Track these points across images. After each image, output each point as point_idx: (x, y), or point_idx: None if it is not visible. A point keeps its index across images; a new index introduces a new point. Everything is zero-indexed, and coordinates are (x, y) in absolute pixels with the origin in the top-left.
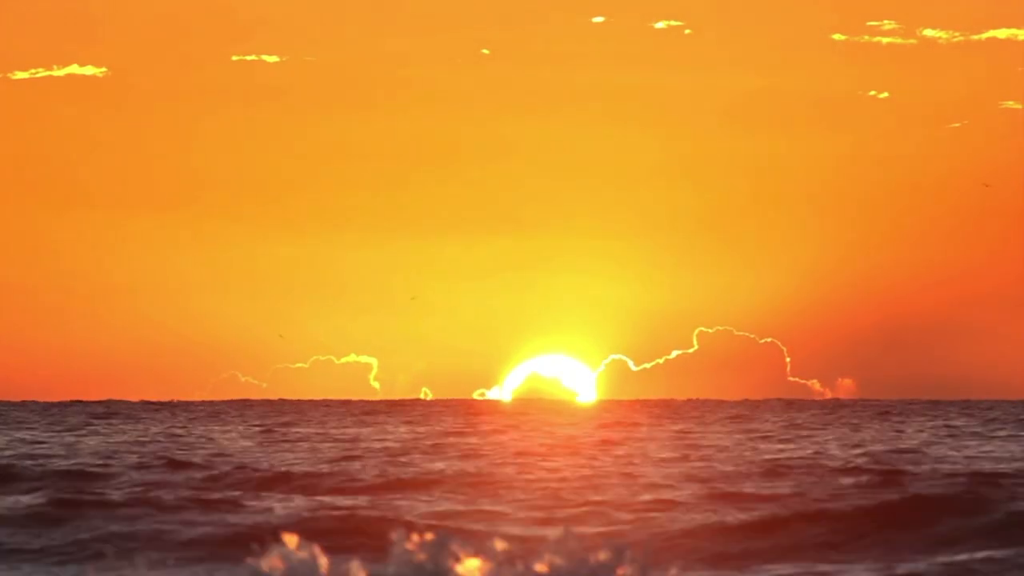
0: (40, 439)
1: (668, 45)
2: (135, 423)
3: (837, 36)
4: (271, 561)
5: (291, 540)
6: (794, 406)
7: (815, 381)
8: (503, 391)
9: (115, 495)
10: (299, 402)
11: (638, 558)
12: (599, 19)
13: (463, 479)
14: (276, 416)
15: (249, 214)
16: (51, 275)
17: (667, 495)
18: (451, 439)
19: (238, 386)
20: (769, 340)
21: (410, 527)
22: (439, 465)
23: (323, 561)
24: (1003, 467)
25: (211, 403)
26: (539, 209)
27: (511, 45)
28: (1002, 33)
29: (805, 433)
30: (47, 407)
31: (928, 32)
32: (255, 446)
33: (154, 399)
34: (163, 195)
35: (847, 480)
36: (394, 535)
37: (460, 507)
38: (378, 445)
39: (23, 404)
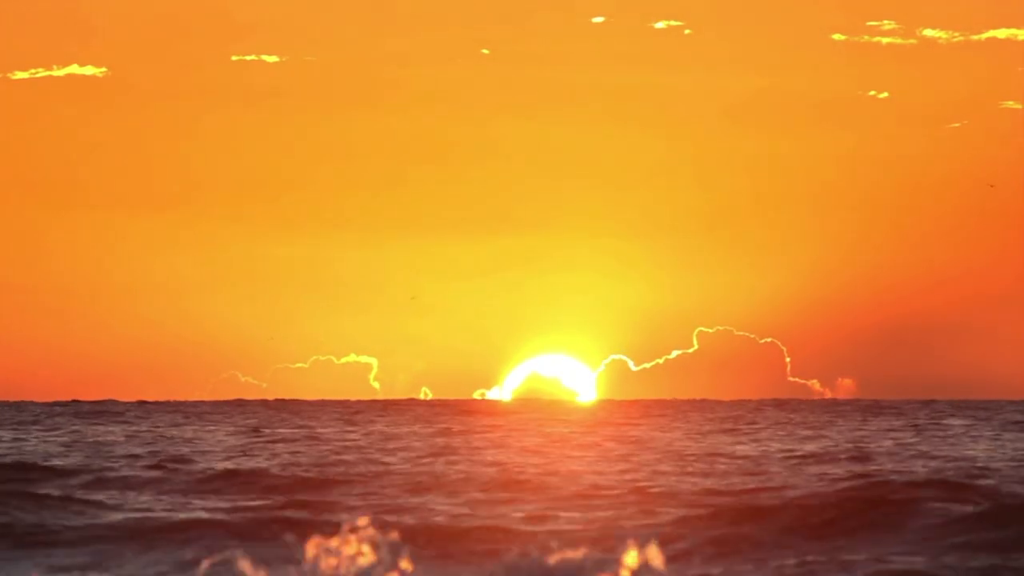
0: None
1: (668, 45)
2: (117, 423)
3: (837, 36)
4: None
5: None
6: (788, 406)
7: (815, 381)
8: (503, 391)
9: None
10: (297, 402)
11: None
12: (599, 19)
13: (364, 477)
14: (264, 416)
15: (249, 214)
16: (50, 275)
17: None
18: (403, 441)
19: (238, 386)
20: (769, 340)
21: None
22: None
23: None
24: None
25: (202, 403)
26: (539, 209)
27: (511, 45)
28: (1002, 33)
29: (765, 435)
30: (42, 407)
31: (928, 32)
32: (211, 446)
33: (154, 399)
34: (163, 195)
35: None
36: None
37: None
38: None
39: (18, 404)
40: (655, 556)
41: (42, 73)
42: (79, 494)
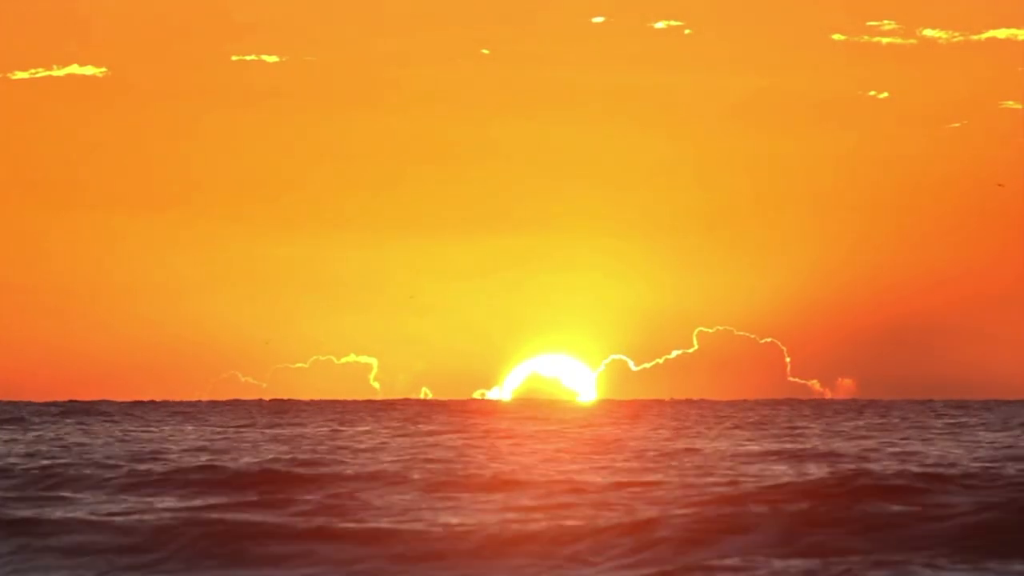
0: None
1: (668, 45)
2: (99, 424)
3: (837, 36)
4: None
5: None
6: (784, 405)
7: (815, 381)
8: (503, 391)
9: None
10: (295, 402)
11: None
12: (599, 19)
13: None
14: (254, 416)
15: (249, 214)
16: (50, 275)
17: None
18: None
19: (238, 386)
20: (769, 340)
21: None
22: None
23: None
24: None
25: (196, 403)
26: (539, 209)
27: (511, 45)
28: (1002, 33)
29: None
30: (30, 407)
31: (928, 32)
32: (169, 446)
33: (155, 399)
34: (163, 195)
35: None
36: None
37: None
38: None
39: (14, 404)
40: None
41: (42, 73)
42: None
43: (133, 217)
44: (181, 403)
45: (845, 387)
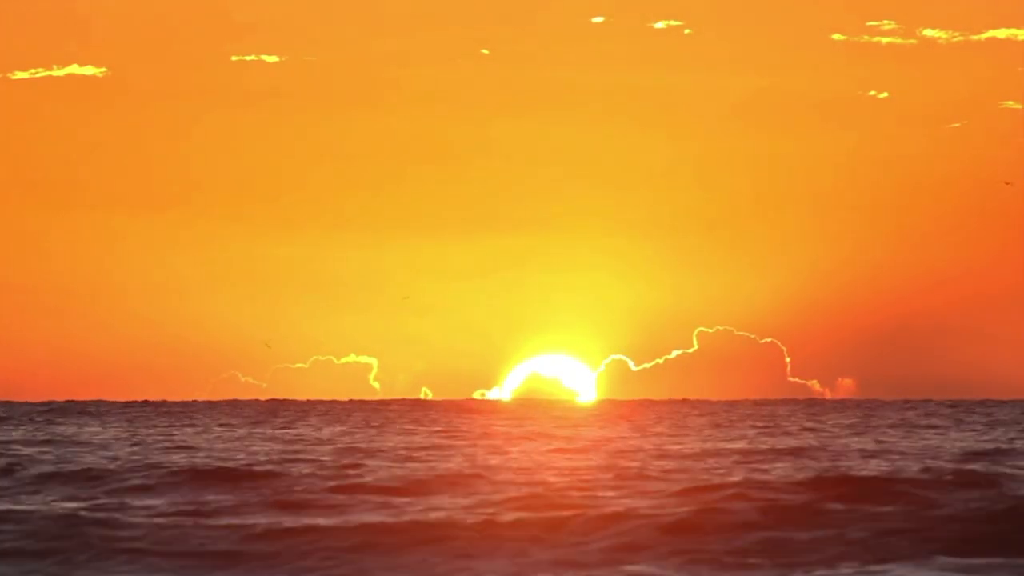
0: None
1: (668, 45)
2: (81, 423)
3: (837, 36)
4: None
5: None
6: (779, 404)
7: (815, 381)
8: (503, 391)
9: None
10: (293, 402)
11: None
12: (599, 19)
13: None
14: (246, 416)
15: (249, 214)
16: (50, 275)
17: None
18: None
19: (238, 386)
20: (769, 340)
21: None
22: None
23: None
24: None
25: (192, 403)
26: (539, 209)
27: (511, 45)
28: (1002, 33)
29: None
30: (31, 407)
31: (928, 32)
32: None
33: (155, 399)
34: (163, 195)
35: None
36: None
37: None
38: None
39: (9, 404)
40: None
41: (42, 73)
42: None
43: (133, 217)
44: (177, 403)
45: (845, 387)
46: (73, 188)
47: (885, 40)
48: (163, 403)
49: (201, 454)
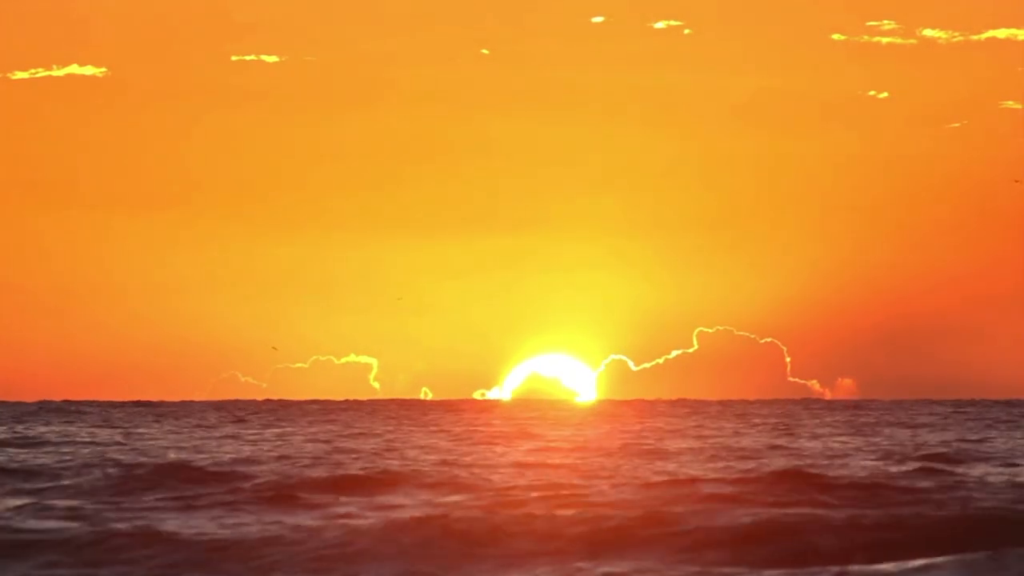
0: None
1: (668, 45)
2: (65, 422)
3: (837, 36)
4: None
5: None
6: (778, 405)
7: (815, 381)
8: (503, 391)
9: None
10: (292, 402)
11: None
12: (599, 19)
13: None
14: (240, 415)
15: (249, 214)
16: (49, 275)
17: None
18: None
19: (238, 386)
20: (769, 340)
21: None
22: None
23: None
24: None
25: (189, 403)
26: (539, 208)
27: (511, 45)
28: (1002, 33)
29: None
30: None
31: (928, 32)
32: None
33: (155, 399)
34: (163, 195)
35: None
36: None
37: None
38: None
39: (5, 404)
40: None
41: (42, 73)
42: None
43: (133, 217)
44: (174, 403)
45: (845, 387)
46: (73, 188)
47: (885, 40)
48: (161, 403)
49: (151, 454)
